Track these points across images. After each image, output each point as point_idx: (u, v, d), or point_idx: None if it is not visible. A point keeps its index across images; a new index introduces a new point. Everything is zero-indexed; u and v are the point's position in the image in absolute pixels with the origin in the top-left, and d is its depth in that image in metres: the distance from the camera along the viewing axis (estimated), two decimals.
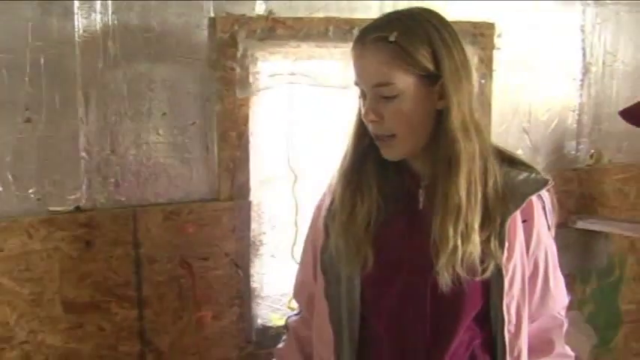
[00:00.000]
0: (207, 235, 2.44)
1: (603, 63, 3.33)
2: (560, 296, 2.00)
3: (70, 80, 2.22)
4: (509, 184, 1.82)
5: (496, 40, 2.95)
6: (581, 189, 3.34)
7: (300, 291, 2.15)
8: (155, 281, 2.38)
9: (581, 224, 3.29)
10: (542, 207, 1.90)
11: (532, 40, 3.09)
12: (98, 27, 2.24)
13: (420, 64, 1.71)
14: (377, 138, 1.80)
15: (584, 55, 3.27)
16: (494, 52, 2.95)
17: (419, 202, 1.86)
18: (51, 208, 2.24)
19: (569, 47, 3.23)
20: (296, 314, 2.19)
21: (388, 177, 1.88)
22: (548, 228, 1.93)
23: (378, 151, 1.83)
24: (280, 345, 2.19)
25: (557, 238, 3.17)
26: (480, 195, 1.76)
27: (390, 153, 1.80)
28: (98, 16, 2.24)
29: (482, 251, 1.75)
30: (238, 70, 2.41)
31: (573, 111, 3.29)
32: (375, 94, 1.74)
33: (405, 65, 1.70)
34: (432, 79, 1.73)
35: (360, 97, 1.83)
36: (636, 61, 3.44)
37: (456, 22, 2.76)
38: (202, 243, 2.44)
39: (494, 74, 2.96)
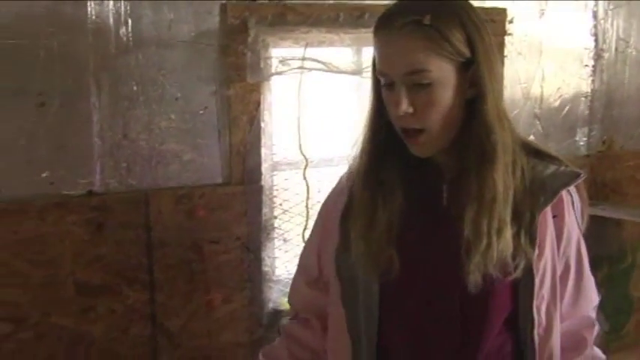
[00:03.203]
0: (218, 219, 2.46)
1: (615, 49, 3.33)
2: (591, 295, 1.86)
3: (82, 66, 2.24)
4: (538, 178, 1.69)
5: (507, 26, 2.95)
6: (593, 175, 3.33)
7: (301, 295, 1.99)
8: (166, 264, 2.41)
9: (592, 210, 3.27)
10: (571, 202, 1.76)
11: (544, 26, 3.09)
12: (110, 13, 2.26)
13: (456, 48, 1.56)
14: (405, 133, 1.63)
15: (596, 41, 3.27)
16: (506, 38, 2.95)
17: (443, 197, 1.70)
18: (64, 192, 2.27)
19: (582, 33, 3.24)
20: (292, 318, 2.02)
21: (409, 173, 1.71)
22: (578, 225, 1.80)
23: (397, 146, 1.68)
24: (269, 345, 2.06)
25: None
26: (513, 188, 1.64)
27: (421, 150, 1.65)
28: (110, 3, 2.26)
29: (514, 248, 1.63)
30: (249, 55, 2.42)
31: (585, 97, 3.29)
32: (407, 84, 1.57)
33: (441, 50, 1.55)
34: (465, 65, 1.59)
35: (373, 89, 1.69)
36: None
37: None
38: (213, 227, 2.45)
39: (506, 60, 2.97)
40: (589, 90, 3.29)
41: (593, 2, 3.22)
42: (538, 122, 3.16)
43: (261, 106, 2.49)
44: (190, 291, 2.45)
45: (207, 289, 2.47)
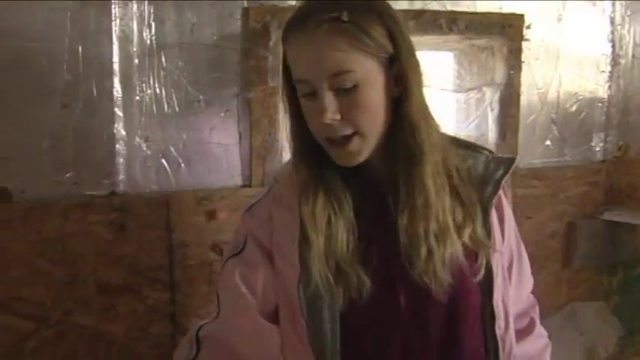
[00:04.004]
0: (238, 221, 2.45)
1: (632, 55, 3.33)
2: (530, 276, 1.86)
3: (106, 68, 2.27)
4: (474, 169, 1.66)
5: (525, 32, 2.96)
6: (609, 181, 3.34)
7: (249, 326, 1.67)
8: (186, 265, 2.42)
9: (608, 215, 3.29)
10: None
11: (561, 32, 3.10)
12: (134, 16, 2.29)
13: (378, 43, 1.48)
14: (331, 143, 1.54)
15: (613, 47, 3.27)
16: (523, 43, 2.96)
17: (390, 206, 1.58)
18: (87, 192, 2.29)
19: (598, 39, 3.24)
20: (209, 322, 1.71)
21: (351, 184, 1.61)
22: None
23: (329, 157, 1.58)
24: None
25: (584, 229, 3.22)
26: (447, 187, 1.57)
27: (349, 158, 1.55)
28: (134, 6, 2.29)
29: (474, 246, 1.59)
30: (271, 58, 2.44)
31: (602, 103, 3.29)
32: (331, 88, 1.48)
33: (363, 46, 1.46)
34: (389, 62, 1.51)
35: (288, 102, 1.62)
36: None
37: (484, 13, 2.82)
38: (233, 228, 2.44)
39: (523, 65, 2.98)
40: (605, 96, 3.29)
41: (610, 8, 3.23)
42: (555, 127, 3.16)
43: (282, 109, 2.50)
44: (210, 291, 2.46)
45: None
